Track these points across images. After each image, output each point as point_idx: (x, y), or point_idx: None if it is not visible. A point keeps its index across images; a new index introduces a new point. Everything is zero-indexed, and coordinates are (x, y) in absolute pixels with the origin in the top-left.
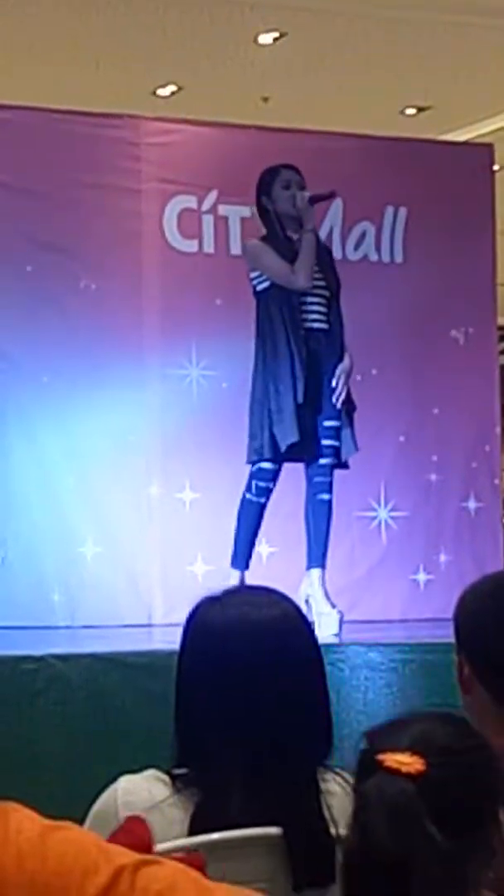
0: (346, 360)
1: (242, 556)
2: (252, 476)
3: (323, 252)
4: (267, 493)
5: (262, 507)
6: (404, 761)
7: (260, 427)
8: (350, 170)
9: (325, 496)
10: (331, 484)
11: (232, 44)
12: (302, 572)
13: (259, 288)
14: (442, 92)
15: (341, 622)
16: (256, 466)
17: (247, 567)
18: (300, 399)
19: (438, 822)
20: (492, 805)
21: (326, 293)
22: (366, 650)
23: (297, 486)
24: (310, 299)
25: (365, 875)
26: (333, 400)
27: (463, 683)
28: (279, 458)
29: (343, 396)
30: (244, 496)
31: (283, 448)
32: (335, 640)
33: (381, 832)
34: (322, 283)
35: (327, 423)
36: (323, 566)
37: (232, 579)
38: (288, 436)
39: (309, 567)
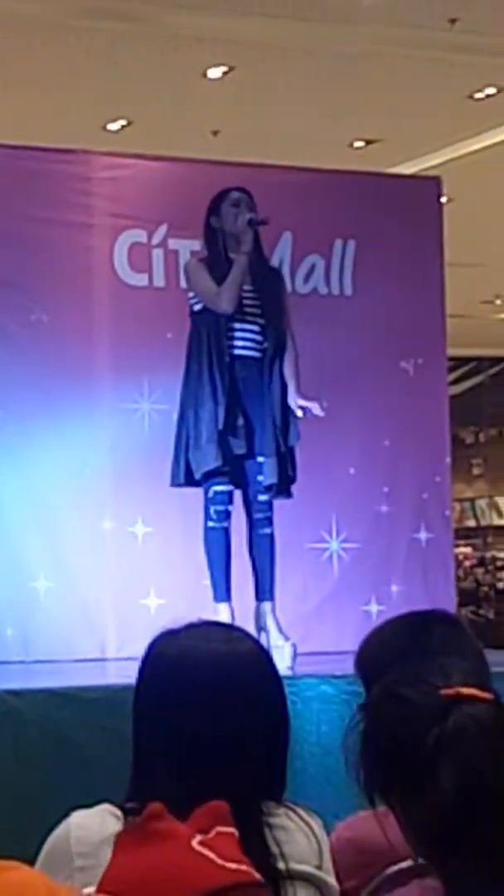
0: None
1: (222, 587)
2: (208, 503)
3: (270, 278)
4: (227, 516)
5: (227, 531)
6: (473, 692)
7: (179, 452)
8: (299, 203)
9: (267, 530)
10: (271, 518)
11: (181, 78)
12: (250, 606)
13: (195, 309)
14: (390, 125)
15: (294, 654)
16: (211, 492)
17: (229, 598)
18: (221, 426)
19: None
20: None
21: (261, 320)
22: (318, 683)
23: (238, 522)
24: (238, 325)
25: (468, 811)
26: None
27: None
28: (197, 484)
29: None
30: (206, 525)
31: (197, 475)
32: (288, 673)
33: (484, 760)
34: (257, 310)
35: (260, 459)
36: (272, 599)
37: (221, 614)
38: (203, 463)
39: (259, 600)
